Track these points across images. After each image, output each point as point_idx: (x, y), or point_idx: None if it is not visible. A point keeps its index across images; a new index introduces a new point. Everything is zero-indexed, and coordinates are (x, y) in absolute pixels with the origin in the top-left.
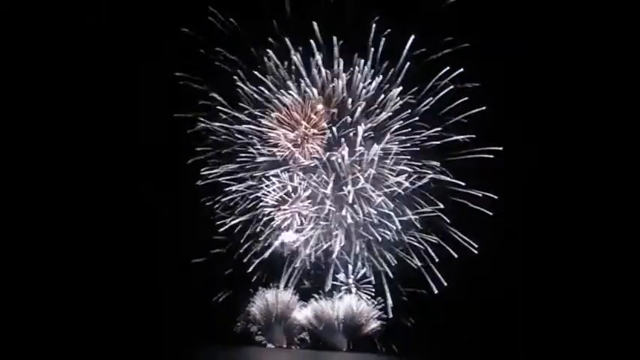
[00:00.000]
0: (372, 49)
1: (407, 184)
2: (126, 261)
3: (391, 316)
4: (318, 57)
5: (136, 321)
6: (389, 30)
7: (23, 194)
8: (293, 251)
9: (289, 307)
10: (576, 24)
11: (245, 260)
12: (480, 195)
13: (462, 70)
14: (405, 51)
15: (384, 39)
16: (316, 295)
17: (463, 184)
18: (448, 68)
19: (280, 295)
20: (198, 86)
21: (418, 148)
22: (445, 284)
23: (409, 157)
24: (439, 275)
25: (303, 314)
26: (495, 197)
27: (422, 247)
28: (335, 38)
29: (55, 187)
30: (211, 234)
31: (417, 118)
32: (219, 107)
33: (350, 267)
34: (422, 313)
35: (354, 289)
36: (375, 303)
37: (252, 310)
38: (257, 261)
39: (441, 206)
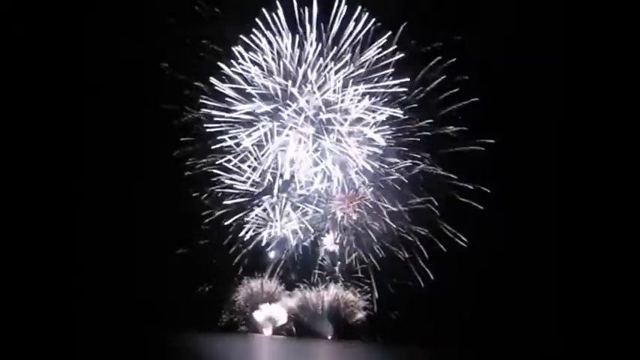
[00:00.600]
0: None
1: (397, 175)
2: (110, 251)
3: (376, 309)
4: (309, 48)
5: (120, 311)
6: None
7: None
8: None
9: (274, 296)
10: (566, 17)
11: (231, 251)
12: (472, 188)
13: (454, 59)
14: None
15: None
16: (301, 285)
17: (454, 176)
18: (439, 58)
19: (265, 285)
20: (184, 77)
21: (418, 139)
22: (432, 277)
23: (400, 148)
24: (426, 268)
25: (288, 304)
26: (487, 190)
27: (410, 239)
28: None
29: (45, 180)
30: (197, 225)
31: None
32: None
33: (337, 257)
34: (408, 304)
35: (340, 279)
36: (362, 292)
37: (238, 299)
38: (243, 251)
39: (431, 198)
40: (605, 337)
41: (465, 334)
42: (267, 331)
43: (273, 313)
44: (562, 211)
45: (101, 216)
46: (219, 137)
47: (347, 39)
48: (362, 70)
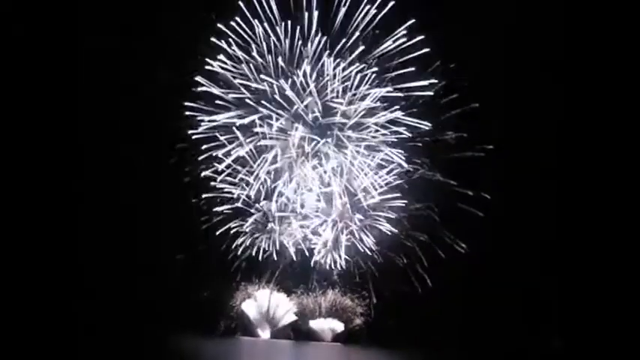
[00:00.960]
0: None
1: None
2: (110, 251)
3: (373, 314)
4: (310, 50)
5: (120, 313)
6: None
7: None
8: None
9: (273, 307)
10: (566, 22)
11: (229, 257)
12: (471, 194)
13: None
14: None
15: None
16: (299, 291)
17: (454, 182)
18: (438, 63)
19: (265, 290)
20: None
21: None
22: (430, 284)
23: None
24: (424, 275)
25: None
26: (487, 197)
27: (409, 244)
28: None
29: (45, 180)
30: (196, 230)
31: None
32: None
33: (335, 263)
34: (405, 310)
35: (338, 285)
36: (360, 298)
37: (237, 304)
38: (242, 257)
39: (431, 204)
40: (603, 340)
41: (464, 340)
42: (265, 335)
43: (272, 305)
44: (561, 215)
45: (101, 216)
46: (214, 143)
47: (354, 30)
48: (374, 69)
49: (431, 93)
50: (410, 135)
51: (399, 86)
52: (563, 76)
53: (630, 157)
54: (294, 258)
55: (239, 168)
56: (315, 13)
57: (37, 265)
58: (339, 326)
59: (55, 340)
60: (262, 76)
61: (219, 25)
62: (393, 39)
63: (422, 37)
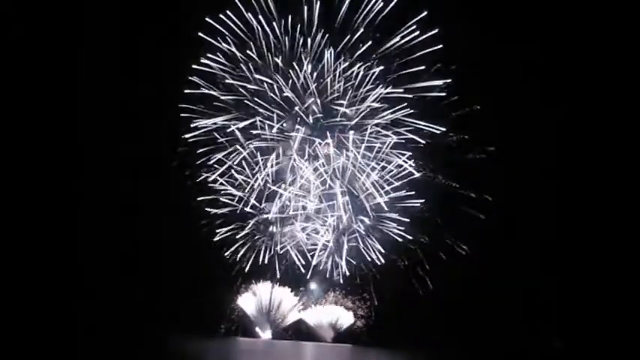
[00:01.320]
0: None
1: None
2: (109, 257)
3: (374, 316)
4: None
5: (120, 316)
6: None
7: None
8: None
9: (274, 302)
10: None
11: (230, 259)
12: (474, 196)
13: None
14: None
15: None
16: (300, 293)
17: (457, 185)
18: (439, 65)
19: (266, 290)
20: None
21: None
22: (431, 286)
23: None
24: (425, 276)
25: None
26: (489, 198)
27: (411, 247)
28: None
29: (43, 184)
30: (197, 233)
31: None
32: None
33: (337, 266)
34: (406, 311)
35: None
36: (361, 300)
37: (239, 304)
38: (243, 260)
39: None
40: (603, 340)
41: (464, 340)
42: (266, 335)
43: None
44: (561, 216)
45: (101, 217)
46: (214, 146)
47: (357, 27)
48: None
49: (443, 94)
50: (412, 137)
51: (404, 87)
52: (563, 76)
53: (630, 158)
54: (296, 260)
55: (240, 170)
56: (317, 5)
57: (37, 264)
58: (342, 317)
59: (55, 340)
60: (262, 77)
61: (218, 25)
62: (398, 37)
63: (430, 33)
